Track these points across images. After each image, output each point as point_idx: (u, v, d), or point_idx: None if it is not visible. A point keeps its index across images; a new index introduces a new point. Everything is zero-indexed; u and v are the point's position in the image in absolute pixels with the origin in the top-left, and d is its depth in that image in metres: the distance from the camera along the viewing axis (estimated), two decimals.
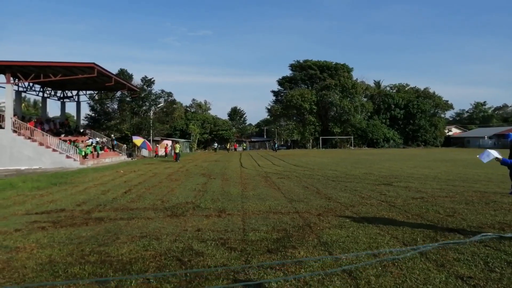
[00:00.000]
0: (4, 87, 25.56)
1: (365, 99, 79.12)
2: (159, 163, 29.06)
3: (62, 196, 11.02)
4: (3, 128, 25.15)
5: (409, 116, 76.39)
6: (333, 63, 75.76)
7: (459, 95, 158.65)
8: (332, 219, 7.18)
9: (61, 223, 7.24)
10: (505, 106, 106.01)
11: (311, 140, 74.27)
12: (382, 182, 13.58)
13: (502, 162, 5.93)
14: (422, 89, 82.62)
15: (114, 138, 38.56)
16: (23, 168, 23.61)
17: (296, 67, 78.16)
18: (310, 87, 76.14)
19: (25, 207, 9.33)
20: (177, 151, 31.62)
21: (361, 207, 8.47)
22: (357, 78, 77.99)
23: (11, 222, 7.44)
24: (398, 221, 6.99)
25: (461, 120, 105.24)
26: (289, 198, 9.92)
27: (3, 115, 25.77)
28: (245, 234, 6.19)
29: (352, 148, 70.19)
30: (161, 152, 41.90)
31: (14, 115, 26.11)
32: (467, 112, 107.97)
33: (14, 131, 25.18)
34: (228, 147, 63.44)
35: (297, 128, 73.76)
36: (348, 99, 72.55)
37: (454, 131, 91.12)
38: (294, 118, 75.61)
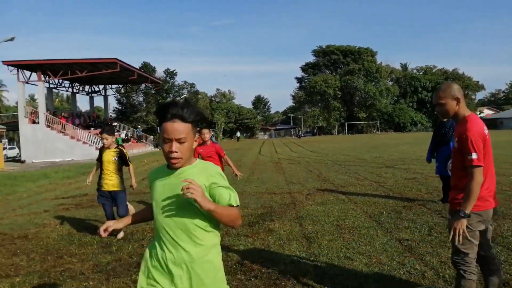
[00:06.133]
0: (37, 85, 27.51)
1: (390, 83, 77.78)
2: None
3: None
4: (38, 123, 27.15)
5: None
6: (357, 47, 74.77)
7: (494, 75, 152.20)
8: (318, 198, 7.95)
9: (82, 205, 8.41)
10: None
11: (336, 126, 74.07)
12: (387, 165, 14.10)
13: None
14: (450, 70, 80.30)
15: (140, 129, 40.33)
16: (57, 160, 25.50)
17: (319, 52, 77.64)
18: (333, 73, 75.64)
19: (55, 193, 10.64)
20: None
21: (351, 187, 9.17)
22: (381, 62, 76.75)
23: (42, 205, 8.69)
24: (377, 198, 7.66)
25: (496, 101, 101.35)
26: (288, 181, 10.73)
27: (37, 111, 27.78)
28: None
29: (379, 133, 69.52)
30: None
31: (47, 111, 28.05)
32: (503, 92, 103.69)
33: (48, 126, 27.14)
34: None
35: (322, 114, 73.70)
36: (373, 83, 71.54)
37: (486, 112, 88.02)
38: (319, 104, 75.43)
